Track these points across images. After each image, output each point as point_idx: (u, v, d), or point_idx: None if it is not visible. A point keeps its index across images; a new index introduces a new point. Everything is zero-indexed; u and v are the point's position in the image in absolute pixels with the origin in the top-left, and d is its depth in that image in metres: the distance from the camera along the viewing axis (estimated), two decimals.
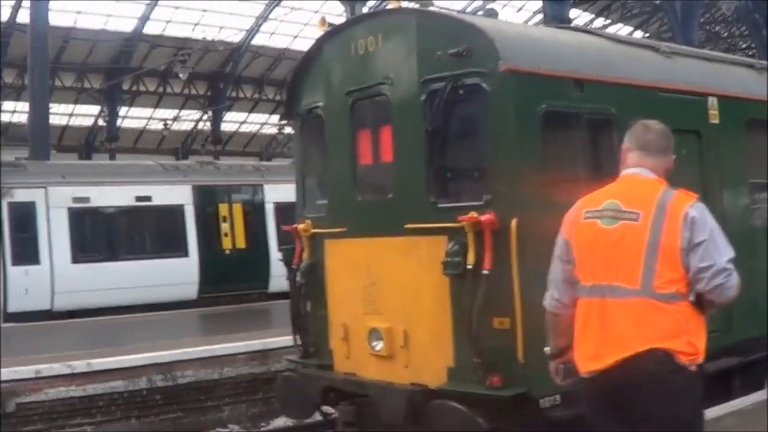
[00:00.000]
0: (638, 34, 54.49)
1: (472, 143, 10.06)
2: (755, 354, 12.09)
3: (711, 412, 9.93)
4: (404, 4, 10.76)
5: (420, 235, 9.82)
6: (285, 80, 59.22)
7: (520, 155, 9.28)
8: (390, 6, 10.35)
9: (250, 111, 64.63)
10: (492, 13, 10.84)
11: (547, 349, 6.14)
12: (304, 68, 11.77)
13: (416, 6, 10.38)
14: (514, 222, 8.99)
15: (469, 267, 9.19)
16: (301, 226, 11.53)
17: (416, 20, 10.08)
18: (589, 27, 33.38)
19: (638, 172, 5.87)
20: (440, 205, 9.79)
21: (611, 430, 5.56)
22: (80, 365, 15.58)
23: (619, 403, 5.48)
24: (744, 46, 61.53)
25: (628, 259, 5.49)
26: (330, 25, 11.16)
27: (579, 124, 9.88)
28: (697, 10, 42.96)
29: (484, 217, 9.12)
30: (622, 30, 56.51)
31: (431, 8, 10.27)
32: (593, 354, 5.57)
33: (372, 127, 10.81)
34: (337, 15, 46.29)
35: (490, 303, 9.10)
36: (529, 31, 10.92)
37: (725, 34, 62.86)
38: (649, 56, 11.55)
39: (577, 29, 12.42)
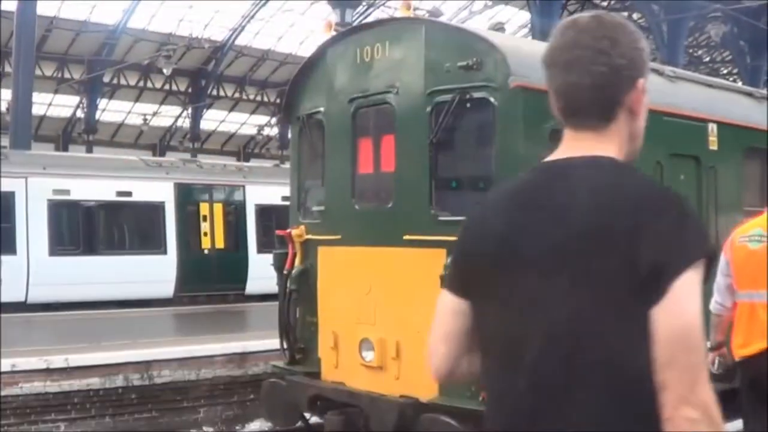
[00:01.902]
0: None
1: (477, 157, 10.01)
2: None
3: None
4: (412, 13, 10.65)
5: (419, 246, 9.74)
6: (267, 81, 59.27)
7: (525, 171, 9.19)
8: (399, 14, 10.26)
9: (230, 110, 64.38)
10: (499, 28, 10.79)
11: (708, 343, 7.59)
12: (306, 72, 11.66)
13: (426, 16, 10.25)
14: None
15: None
16: (294, 231, 11.42)
17: (425, 30, 10.00)
18: None
19: None
20: (441, 218, 9.71)
21: (758, 407, 7.43)
22: (58, 360, 15.38)
23: (763, 384, 7.27)
24: (725, 72, 61.84)
25: None
26: (336, 29, 11.05)
27: None
28: (683, 32, 43.13)
29: None
30: None
31: (441, 18, 10.16)
32: (743, 343, 7.53)
33: (374, 135, 10.74)
34: (322, 19, 46.28)
35: None
36: (540, 47, 10.84)
37: (707, 59, 63.16)
38: (654, 79, 11.51)
39: None
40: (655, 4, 43.53)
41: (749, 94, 13.83)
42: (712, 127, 11.78)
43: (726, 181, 11.92)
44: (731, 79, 51.98)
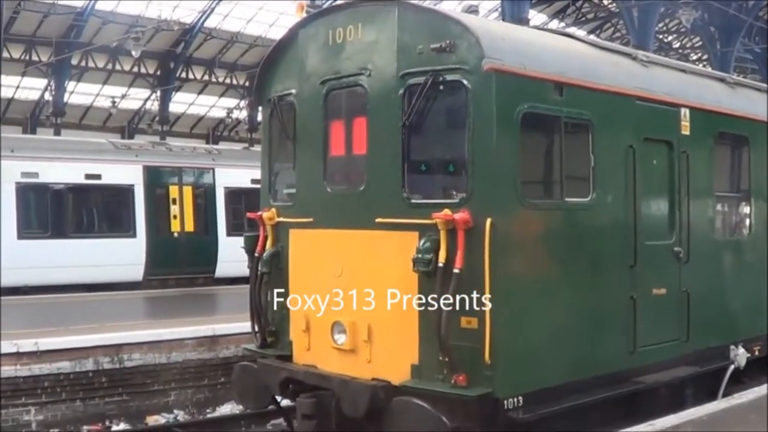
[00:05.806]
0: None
1: (449, 140, 9.92)
2: (712, 364, 12.16)
3: (666, 421, 9.95)
4: None
5: (391, 230, 9.71)
6: (236, 63, 58.99)
7: (497, 155, 9.16)
8: None
9: (199, 93, 64.09)
10: (473, 10, 10.71)
11: None
12: (277, 53, 11.57)
13: None
14: (488, 221, 8.91)
15: (440, 265, 9.08)
16: (266, 214, 11.36)
17: (398, 12, 9.91)
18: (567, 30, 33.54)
19: None
20: (413, 201, 9.67)
21: None
22: (27, 344, 15.29)
23: None
24: (695, 58, 62.10)
25: None
26: (308, 11, 10.95)
27: (557, 128, 9.82)
28: (654, 18, 43.17)
29: (458, 216, 9.03)
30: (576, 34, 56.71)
31: (414, 0, 10.07)
32: None
33: (346, 118, 10.65)
34: (292, 0, 46.04)
35: (459, 302, 9.02)
36: (514, 31, 10.78)
37: (677, 45, 63.40)
38: (627, 64, 11.52)
39: (559, 32, 12.34)
40: None
41: (721, 80, 13.88)
42: (685, 112, 11.82)
43: (698, 166, 11.96)
44: (701, 65, 52.20)
